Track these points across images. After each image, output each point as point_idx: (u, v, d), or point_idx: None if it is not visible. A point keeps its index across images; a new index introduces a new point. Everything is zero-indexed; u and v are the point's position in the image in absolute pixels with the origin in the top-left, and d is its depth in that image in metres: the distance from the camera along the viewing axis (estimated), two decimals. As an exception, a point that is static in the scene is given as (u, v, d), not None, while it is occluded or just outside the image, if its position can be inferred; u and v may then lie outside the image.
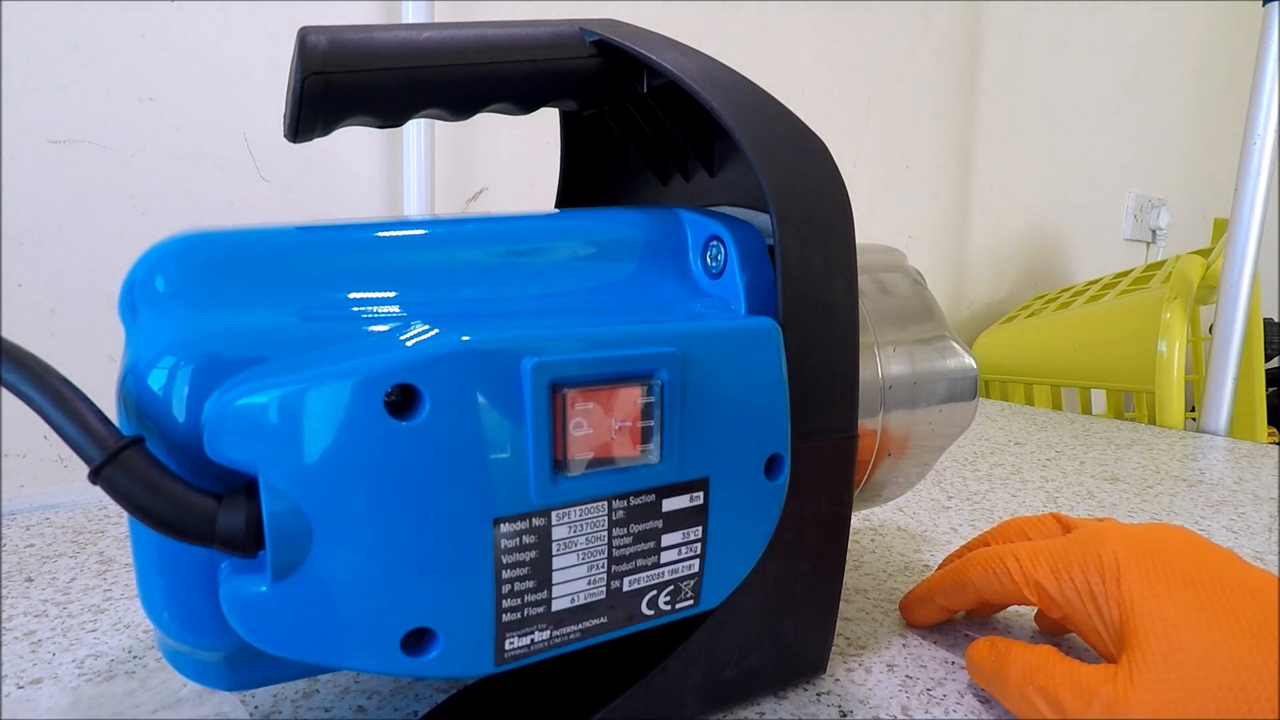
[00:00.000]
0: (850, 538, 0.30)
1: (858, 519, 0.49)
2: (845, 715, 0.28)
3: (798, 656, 0.28)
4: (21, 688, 0.28)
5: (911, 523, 0.49)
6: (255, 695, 0.28)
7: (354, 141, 0.70)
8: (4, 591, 0.36)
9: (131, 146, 0.60)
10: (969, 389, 0.33)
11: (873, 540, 0.45)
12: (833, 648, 0.30)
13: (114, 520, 0.47)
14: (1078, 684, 0.24)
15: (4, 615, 0.34)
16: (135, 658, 0.31)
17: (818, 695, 0.29)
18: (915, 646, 0.33)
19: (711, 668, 0.26)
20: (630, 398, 0.21)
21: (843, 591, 0.29)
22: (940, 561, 0.37)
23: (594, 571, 0.22)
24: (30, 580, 0.38)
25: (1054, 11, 1.31)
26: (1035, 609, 0.35)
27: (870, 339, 0.30)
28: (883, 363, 0.30)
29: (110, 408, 0.19)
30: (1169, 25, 1.53)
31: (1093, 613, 0.26)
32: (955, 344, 0.33)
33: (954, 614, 0.34)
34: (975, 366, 0.34)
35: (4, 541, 0.43)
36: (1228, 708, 0.21)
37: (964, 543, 0.37)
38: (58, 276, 0.58)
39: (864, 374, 0.29)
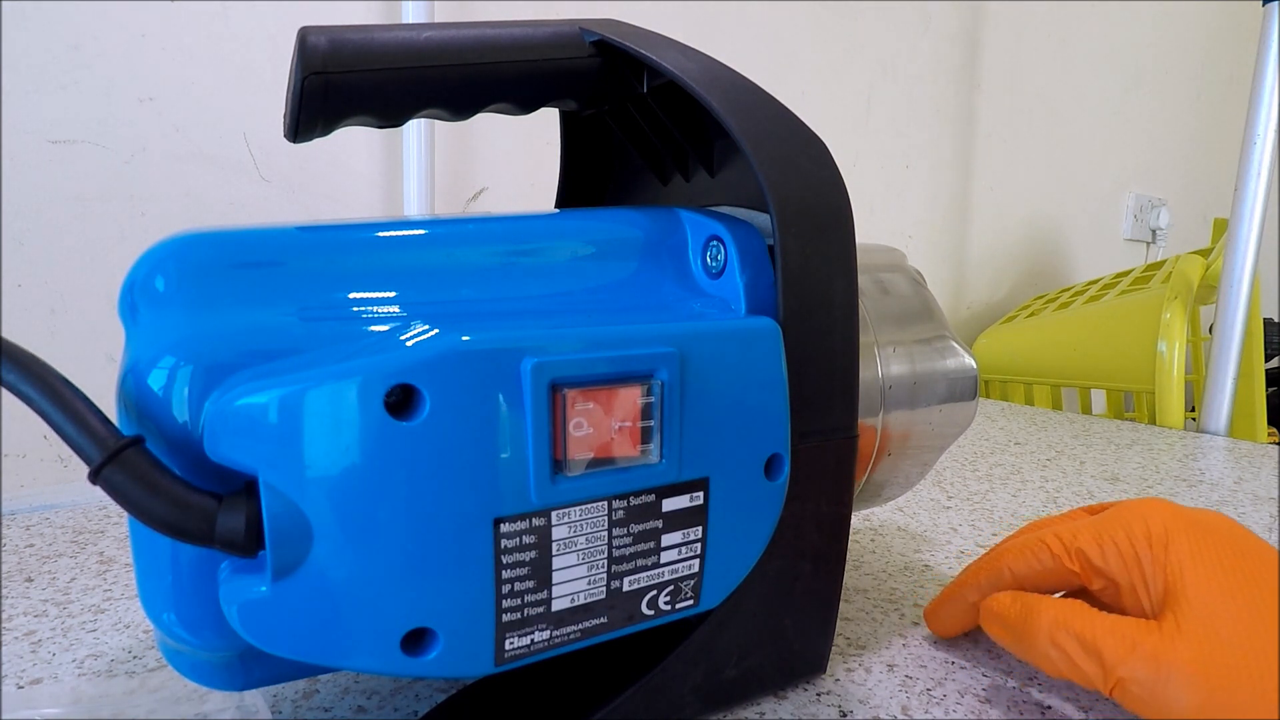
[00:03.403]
0: (850, 538, 0.30)
1: (858, 519, 0.49)
2: (845, 715, 0.28)
3: (798, 656, 0.28)
4: (21, 688, 0.28)
5: (911, 523, 0.49)
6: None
7: (354, 141, 0.70)
8: (4, 591, 0.36)
9: (131, 146, 0.60)
10: (969, 389, 0.33)
11: (873, 540, 0.45)
12: (833, 648, 0.30)
13: (114, 520, 0.47)
14: (1119, 632, 0.24)
15: (4, 615, 0.34)
16: (135, 658, 0.31)
17: (818, 695, 0.29)
18: (915, 646, 0.33)
19: (711, 668, 0.26)
20: (630, 398, 0.21)
21: (843, 591, 0.29)
22: (959, 572, 0.35)
23: (594, 571, 0.22)
24: (30, 580, 0.38)
25: (1054, 11, 1.31)
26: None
27: (870, 339, 0.30)
28: (883, 363, 0.30)
29: (110, 408, 0.19)
30: (1169, 25, 1.53)
31: (1136, 579, 0.26)
32: (955, 344, 0.33)
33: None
34: (975, 366, 0.34)
35: (4, 541, 0.43)
36: (1268, 685, 0.22)
37: (969, 547, 0.37)
38: (58, 276, 0.58)
39: (864, 374, 0.29)
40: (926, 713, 0.28)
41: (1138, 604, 0.26)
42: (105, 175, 0.59)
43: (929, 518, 0.50)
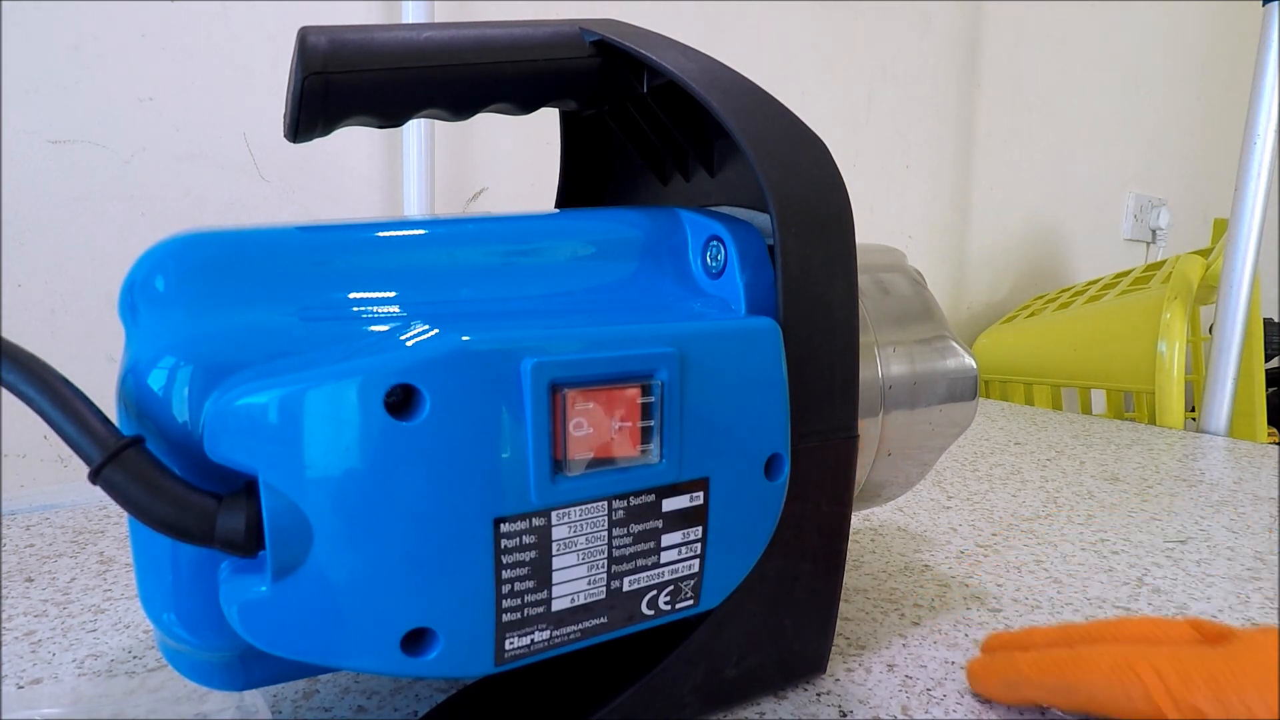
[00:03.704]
0: (850, 538, 0.30)
1: (858, 519, 0.49)
2: (845, 715, 0.28)
3: (798, 656, 0.28)
4: (21, 688, 0.28)
5: (911, 523, 0.49)
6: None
7: (354, 141, 0.70)
8: (4, 591, 0.36)
9: (131, 146, 0.60)
10: (969, 389, 0.33)
11: (873, 540, 0.45)
12: (833, 648, 0.30)
13: (114, 520, 0.47)
14: None
15: (4, 615, 0.34)
16: (135, 658, 0.31)
17: (818, 695, 0.29)
18: (915, 646, 0.33)
19: (711, 668, 0.26)
20: (630, 398, 0.21)
21: (843, 591, 0.29)
22: (1017, 630, 0.32)
23: (594, 571, 0.22)
24: (30, 580, 0.38)
25: (1054, 11, 1.31)
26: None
27: (870, 339, 0.30)
28: (883, 363, 0.30)
29: (110, 408, 0.19)
30: (1169, 25, 1.53)
31: None
32: (955, 344, 0.33)
33: (1045, 708, 0.28)
34: (975, 366, 0.34)
35: (4, 541, 0.43)
36: None
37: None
38: (58, 276, 0.58)
39: (864, 374, 0.29)
40: (926, 713, 0.28)
41: None
42: (105, 175, 0.59)
43: (929, 518, 0.50)
